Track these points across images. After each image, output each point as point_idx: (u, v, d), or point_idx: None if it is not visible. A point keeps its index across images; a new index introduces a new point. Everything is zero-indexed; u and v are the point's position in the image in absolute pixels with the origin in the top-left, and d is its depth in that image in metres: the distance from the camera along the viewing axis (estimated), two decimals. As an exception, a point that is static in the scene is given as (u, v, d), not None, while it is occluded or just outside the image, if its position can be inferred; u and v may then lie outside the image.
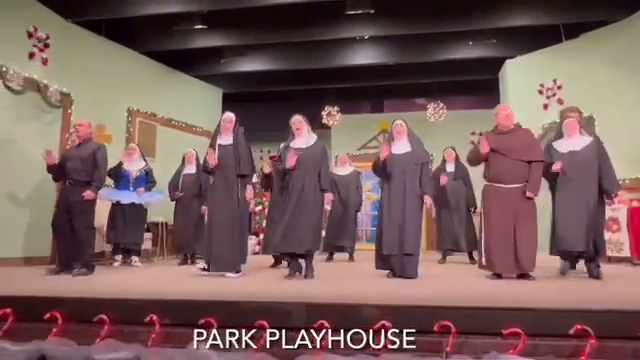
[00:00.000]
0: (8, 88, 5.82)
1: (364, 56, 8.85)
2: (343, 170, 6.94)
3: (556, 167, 4.31)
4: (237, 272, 4.37)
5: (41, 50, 6.34)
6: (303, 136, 4.44)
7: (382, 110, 11.70)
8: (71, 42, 6.80)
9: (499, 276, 4.13)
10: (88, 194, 4.64)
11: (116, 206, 5.90)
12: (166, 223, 7.25)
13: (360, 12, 6.99)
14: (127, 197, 5.87)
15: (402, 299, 2.84)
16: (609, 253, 5.66)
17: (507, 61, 8.42)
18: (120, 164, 6.08)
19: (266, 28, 7.92)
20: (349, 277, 4.41)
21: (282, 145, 4.67)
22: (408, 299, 2.83)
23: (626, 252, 5.80)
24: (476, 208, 6.28)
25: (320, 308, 2.66)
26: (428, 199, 4.38)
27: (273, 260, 5.58)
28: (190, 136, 8.79)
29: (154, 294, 3.06)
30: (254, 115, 9.54)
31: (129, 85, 7.81)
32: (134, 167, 6.08)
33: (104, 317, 2.72)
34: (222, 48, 8.65)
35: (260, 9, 7.32)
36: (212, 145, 4.57)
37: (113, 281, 4.13)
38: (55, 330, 2.73)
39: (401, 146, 4.44)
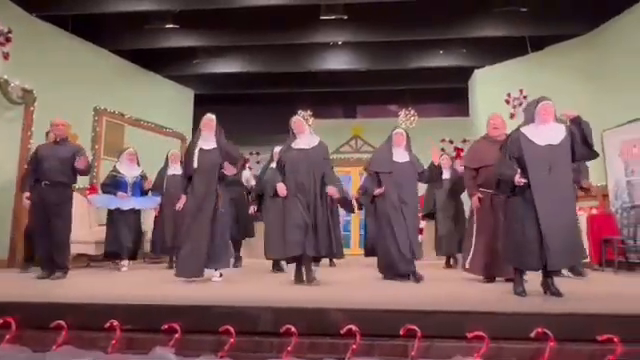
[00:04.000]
0: (-35, 83, 5.58)
1: (338, 61, 8.91)
2: None
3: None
4: (220, 275, 4.35)
5: (2, 44, 6.09)
6: (306, 136, 4.26)
7: (355, 116, 11.79)
8: (35, 37, 6.55)
9: (490, 280, 4.21)
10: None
11: (111, 212, 5.61)
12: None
13: (334, 17, 7.04)
14: (115, 204, 5.55)
15: (368, 303, 2.84)
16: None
17: (476, 71, 8.64)
18: (114, 174, 5.75)
19: (240, 30, 7.85)
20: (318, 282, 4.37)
21: (281, 147, 4.39)
22: (374, 303, 2.83)
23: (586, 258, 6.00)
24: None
25: (287, 313, 2.63)
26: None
27: (273, 264, 5.52)
28: (160, 137, 8.60)
29: (115, 299, 2.96)
30: (226, 117, 9.35)
31: (96, 83, 7.57)
32: (131, 173, 5.77)
33: (62, 323, 2.61)
34: (195, 49, 8.54)
35: (234, 11, 7.26)
36: (192, 149, 4.39)
37: (75, 286, 3.98)
38: (8, 337, 2.60)
39: (401, 154, 4.65)
